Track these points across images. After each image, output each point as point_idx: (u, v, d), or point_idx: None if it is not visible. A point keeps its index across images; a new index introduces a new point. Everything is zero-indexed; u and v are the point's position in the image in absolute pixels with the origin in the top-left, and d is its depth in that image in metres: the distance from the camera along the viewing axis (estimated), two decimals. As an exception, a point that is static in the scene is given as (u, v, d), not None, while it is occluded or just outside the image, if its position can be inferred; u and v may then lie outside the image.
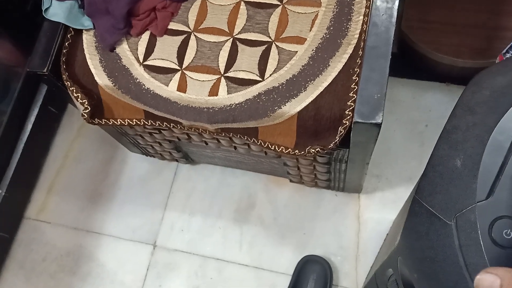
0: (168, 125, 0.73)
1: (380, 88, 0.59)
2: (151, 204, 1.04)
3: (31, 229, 1.05)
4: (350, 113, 0.62)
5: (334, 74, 0.65)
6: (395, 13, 0.61)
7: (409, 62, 1.03)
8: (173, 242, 1.00)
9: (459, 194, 0.30)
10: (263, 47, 0.68)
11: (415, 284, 0.36)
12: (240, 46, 0.69)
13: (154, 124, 0.74)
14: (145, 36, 0.71)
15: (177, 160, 1.04)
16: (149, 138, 0.88)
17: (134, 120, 0.74)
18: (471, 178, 0.30)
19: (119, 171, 1.07)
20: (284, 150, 0.69)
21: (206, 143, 0.84)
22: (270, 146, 0.70)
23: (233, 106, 0.67)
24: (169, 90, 0.69)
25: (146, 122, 0.74)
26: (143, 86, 0.70)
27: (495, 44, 0.92)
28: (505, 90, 0.32)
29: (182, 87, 0.69)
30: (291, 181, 0.99)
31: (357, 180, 0.90)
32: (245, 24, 0.69)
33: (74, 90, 0.70)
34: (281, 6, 0.70)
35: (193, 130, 0.74)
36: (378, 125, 0.59)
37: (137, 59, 0.71)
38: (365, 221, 0.97)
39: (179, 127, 0.73)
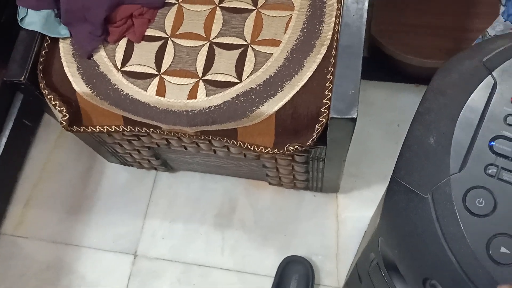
0: (148, 130, 0.74)
1: (354, 84, 0.62)
2: (131, 213, 1.03)
3: (8, 244, 1.02)
4: (326, 110, 0.64)
5: (309, 73, 0.67)
6: (365, 14, 0.64)
7: (380, 65, 1.07)
8: (155, 250, 1.00)
9: (434, 170, 0.32)
10: (240, 50, 0.70)
11: (396, 261, 0.37)
12: (217, 50, 0.70)
13: (133, 129, 0.74)
14: (123, 43, 0.72)
15: (156, 168, 1.04)
16: (128, 146, 0.88)
17: (113, 126, 0.74)
18: (445, 154, 0.32)
19: (97, 182, 1.07)
20: (263, 150, 0.71)
21: (186, 148, 0.84)
22: (249, 146, 0.72)
23: (212, 108, 0.68)
24: (148, 95, 0.70)
25: (125, 128, 0.74)
26: (122, 92, 0.70)
27: (462, 45, 0.97)
28: (472, 72, 0.34)
29: (161, 92, 0.70)
30: (270, 183, 1.00)
31: (335, 179, 0.92)
32: (221, 29, 0.71)
33: (52, 98, 0.70)
34: (255, 10, 0.72)
35: (172, 134, 0.74)
36: (354, 120, 0.61)
37: (115, 65, 0.71)
38: (343, 220, 0.99)
39: (158, 132, 0.74)
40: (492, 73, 0.33)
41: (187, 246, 1.00)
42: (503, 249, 0.30)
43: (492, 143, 0.32)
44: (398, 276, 0.40)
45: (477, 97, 0.33)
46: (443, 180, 0.31)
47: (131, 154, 0.94)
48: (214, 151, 0.83)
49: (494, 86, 0.33)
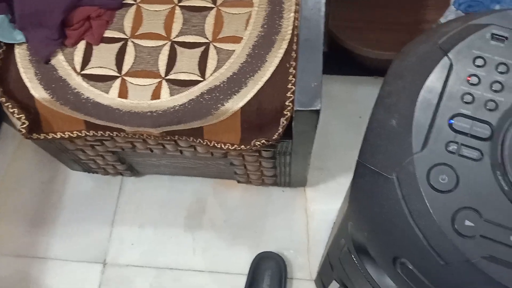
0: (111, 134, 0.72)
1: (316, 77, 0.63)
2: (97, 221, 1.01)
3: (-33, 262, 0.98)
4: (290, 104, 0.65)
5: (272, 68, 0.68)
6: (323, 7, 0.65)
7: (340, 60, 1.09)
8: (125, 257, 0.98)
9: (397, 150, 0.34)
10: (202, 48, 0.69)
11: (366, 243, 0.38)
12: (179, 49, 0.70)
13: (96, 134, 0.72)
14: (81, 46, 0.70)
15: (121, 174, 1.02)
16: (91, 152, 0.86)
17: (75, 132, 0.72)
18: (407, 134, 0.33)
19: (61, 192, 1.03)
20: (230, 147, 0.71)
21: (151, 150, 0.83)
22: (216, 144, 0.71)
23: (177, 107, 0.67)
24: (110, 97, 0.68)
25: (87, 133, 0.72)
26: (82, 96, 0.69)
27: (416, 36, 1.00)
28: (428, 55, 0.36)
29: (123, 93, 0.68)
30: (238, 181, 1.00)
31: (302, 173, 0.93)
32: (181, 28, 0.71)
33: (10, 106, 0.67)
34: (215, 8, 0.72)
35: (137, 136, 0.73)
36: (318, 112, 0.62)
37: (74, 69, 0.69)
38: (312, 213, 1.00)
39: (122, 135, 0.73)
40: (448, 54, 0.34)
41: (157, 251, 0.98)
42: (467, 222, 0.31)
43: (452, 121, 0.33)
44: (368, 259, 0.41)
45: (435, 78, 0.34)
46: (406, 159, 0.33)
47: (95, 160, 0.92)
48: (181, 152, 0.82)
49: (451, 66, 0.34)
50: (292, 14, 0.70)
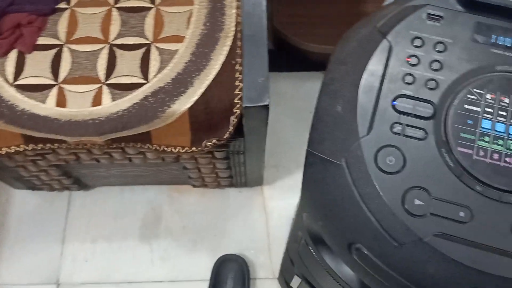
0: (52, 146, 0.68)
1: (262, 72, 0.62)
2: (46, 240, 0.95)
3: None
4: (239, 101, 0.64)
5: (217, 66, 0.66)
6: (264, 2, 0.65)
7: (286, 57, 1.09)
8: (79, 275, 0.93)
9: (344, 136, 0.33)
10: (143, 50, 0.67)
11: (321, 233, 0.38)
12: (118, 52, 0.67)
13: (36, 147, 0.68)
14: (13, 55, 0.66)
15: (68, 188, 0.97)
16: (33, 167, 0.81)
17: (12, 147, 0.67)
18: (352, 119, 0.33)
19: (4, 213, 0.97)
20: (181, 150, 0.69)
21: (98, 161, 0.79)
22: (166, 148, 0.69)
23: (120, 112, 0.64)
24: (47, 107, 0.64)
25: (26, 147, 0.68)
26: (17, 108, 0.64)
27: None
28: (368, 39, 0.35)
29: (61, 102, 0.65)
30: (194, 186, 0.98)
31: (258, 171, 0.92)
32: (120, 30, 0.68)
33: None
34: (154, 8, 0.69)
35: (80, 147, 0.69)
36: (267, 107, 0.61)
37: (6, 80, 0.65)
38: (271, 211, 1.00)
39: (64, 147, 0.69)
40: (387, 36, 0.34)
41: (113, 265, 0.94)
42: (417, 202, 0.31)
43: (395, 102, 0.33)
44: (325, 249, 0.41)
45: (375, 61, 0.34)
46: (353, 144, 0.32)
47: (39, 176, 0.87)
48: (130, 160, 0.79)
49: (390, 49, 0.34)
50: (234, 11, 0.69)
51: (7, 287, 0.91)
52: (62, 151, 0.73)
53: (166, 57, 0.67)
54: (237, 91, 0.65)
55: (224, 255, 0.94)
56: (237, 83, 0.65)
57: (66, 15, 0.69)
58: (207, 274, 0.93)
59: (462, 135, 0.32)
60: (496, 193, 0.31)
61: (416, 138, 0.32)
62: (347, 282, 0.41)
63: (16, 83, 0.65)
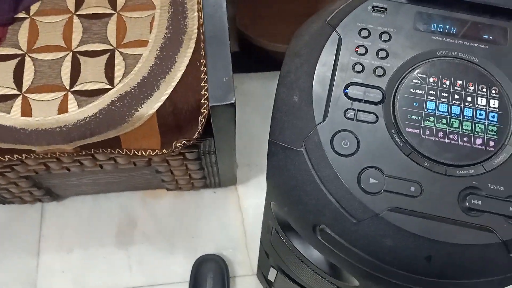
0: (20, 157, 0.68)
1: (226, 71, 0.64)
2: (20, 254, 0.94)
3: None
4: (206, 101, 0.65)
5: (182, 68, 0.68)
6: (223, 3, 0.66)
7: (252, 58, 1.11)
8: (56, 286, 0.92)
9: (302, 124, 0.35)
10: (106, 56, 0.68)
11: (288, 218, 0.40)
12: (82, 59, 0.67)
13: (3, 159, 0.67)
14: (-28, 66, 0.66)
15: (40, 200, 0.96)
16: (2, 180, 0.80)
17: (-22, 159, 0.67)
18: (308, 107, 0.35)
19: (-27, 229, 0.95)
20: (152, 153, 0.70)
21: (68, 170, 0.79)
22: (136, 152, 0.70)
23: (88, 119, 0.65)
24: (12, 117, 0.64)
25: (-7, 159, 0.67)
26: (-19, 119, 0.64)
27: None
28: (319, 32, 0.38)
29: (26, 112, 0.65)
30: (168, 189, 0.99)
31: (230, 171, 0.94)
32: (82, 37, 0.68)
33: None
34: (116, 14, 0.70)
35: (49, 156, 0.69)
36: (233, 105, 0.63)
37: (-33, 91, 0.64)
38: (246, 209, 1.01)
39: (33, 157, 0.68)
40: (336, 29, 0.36)
41: (91, 274, 0.94)
42: (371, 180, 0.33)
43: (346, 90, 0.35)
44: (294, 234, 0.43)
45: (327, 52, 0.36)
46: (311, 131, 0.34)
47: (8, 189, 0.86)
48: (101, 166, 0.79)
49: (340, 40, 0.36)
50: (196, 13, 0.70)
51: (-18, 305, 0.90)
52: (31, 161, 0.72)
53: (131, 61, 0.68)
54: (203, 92, 0.66)
55: (202, 255, 0.95)
56: (203, 84, 0.67)
57: (26, 24, 0.69)
58: (186, 276, 0.94)
59: (410, 116, 0.34)
60: (442, 167, 0.33)
61: (368, 122, 0.34)
62: (317, 265, 0.43)
63: (-21, 95, 0.64)
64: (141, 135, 0.68)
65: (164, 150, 0.69)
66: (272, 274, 0.73)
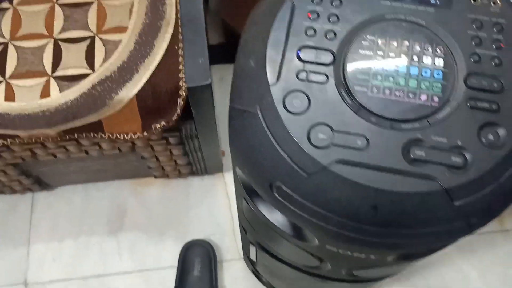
0: (5, 142, 0.70)
1: (202, 53, 0.66)
2: (11, 243, 0.96)
3: None
4: (183, 84, 0.67)
5: (161, 52, 0.69)
6: (198, -12, 0.68)
7: (237, 48, 1.13)
8: (47, 274, 0.94)
9: (257, 86, 0.37)
10: (87, 42, 0.69)
11: (249, 181, 0.41)
12: (63, 45, 0.69)
13: (-12, 144, 0.69)
14: (-44, 54, 0.68)
15: (30, 189, 0.98)
16: (-10, 168, 0.82)
17: (-36, 145, 0.69)
18: (263, 71, 0.37)
19: (-35, 220, 0.97)
20: (133, 136, 0.72)
21: (55, 156, 0.81)
22: (118, 136, 0.72)
23: (69, 103, 0.67)
24: (-4, 102, 0.66)
25: (-21, 144, 0.69)
26: (-34, 105, 0.66)
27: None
28: (275, 0, 0.39)
29: (10, 97, 0.67)
30: (155, 177, 1.01)
31: (215, 157, 0.95)
32: (63, 24, 0.70)
33: None
34: (96, 2, 0.72)
35: (34, 141, 0.71)
36: (209, 86, 0.65)
37: (-48, 78, 0.66)
38: (233, 196, 1.03)
39: (18, 142, 0.70)
40: (290, -3, 0.38)
41: (81, 261, 0.96)
42: (320, 135, 0.35)
43: (299, 52, 0.37)
44: (258, 199, 0.44)
45: (281, 19, 0.38)
46: (265, 92, 0.36)
47: (-3, 178, 0.88)
48: (86, 152, 0.81)
49: (293, 6, 0.38)
50: (174, 0, 0.72)
51: (-25, 292, 0.91)
52: (17, 147, 0.74)
53: (111, 47, 0.70)
54: (181, 75, 0.68)
55: (190, 241, 0.97)
56: (180, 67, 0.69)
57: (9, 14, 0.71)
58: (175, 261, 0.96)
59: (358, 76, 0.36)
60: (388, 122, 0.35)
61: (319, 82, 0.36)
62: (282, 229, 0.45)
63: (-37, 81, 0.66)
64: (123, 119, 0.70)
65: (145, 133, 0.71)
66: (252, 252, 0.75)
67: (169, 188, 1.03)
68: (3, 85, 0.67)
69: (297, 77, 0.36)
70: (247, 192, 0.45)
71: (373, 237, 0.36)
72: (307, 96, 0.36)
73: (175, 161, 0.92)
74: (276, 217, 0.44)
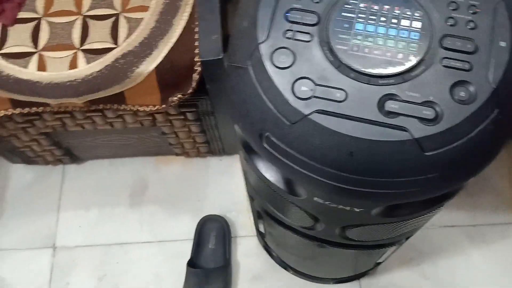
0: (37, 110, 0.77)
1: (215, 31, 0.70)
2: (43, 209, 1.03)
3: None
4: (198, 59, 0.72)
5: (179, 31, 0.74)
6: (216, -30, 0.73)
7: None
8: (73, 239, 1.01)
9: (248, 44, 0.41)
10: (112, 19, 0.75)
11: (244, 134, 0.45)
12: (91, 22, 0.75)
13: (22, 111, 0.76)
14: (-4, 28, 0.75)
15: (61, 161, 1.05)
16: (24, 136, 0.89)
17: (1, 111, 0.76)
18: (254, 30, 0.41)
19: (3, 186, 1.06)
20: (153, 108, 0.77)
21: (83, 127, 0.88)
22: (139, 108, 0.77)
23: (94, 74, 0.73)
24: (29, 71, 0.73)
25: (14, 111, 0.76)
26: (3, 73, 0.73)
27: None
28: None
29: (41, 67, 0.73)
30: (176, 154, 1.06)
31: (232, 136, 0.99)
32: (91, 3, 0.76)
33: None
34: (122, -17, 0.78)
35: (63, 110, 0.78)
36: (221, 60, 0.69)
37: (-8, 50, 0.74)
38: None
39: (48, 110, 0.77)
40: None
41: (105, 229, 1.02)
42: (303, 88, 0.38)
43: (287, 14, 0.40)
44: (254, 155, 0.48)
45: (273, -17, 0.41)
46: (255, 49, 0.40)
47: (31, 147, 0.95)
48: (111, 125, 0.87)
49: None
50: (193, -19, 0.77)
51: (8, 252, 1.00)
52: (47, 116, 0.81)
53: (133, 24, 0.75)
54: (196, 51, 0.73)
55: (207, 215, 1.01)
56: (196, 44, 0.73)
57: (44, -8, 0.78)
58: (191, 234, 1.01)
59: (340, 36, 0.39)
60: (366, 78, 0.38)
61: (304, 41, 0.39)
62: (276, 184, 0.48)
63: (1, 52, 0.73)
64: (143, 91, 0.75)
65: (163, 105, 0.76)
66: (260, 224, 0.79)
67: (189, 166, 1.08)
68: (36, 56, 0.74)
69: (284, 36, 0.40)
70: (246, 150, 0.49)
71: (351, 185, 0.39)
72: (292, 53, 0.39)
73: (193, 138, 0.97)
74: (270, 173, 0.48)
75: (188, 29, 0.75)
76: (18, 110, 0.76)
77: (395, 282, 0.97)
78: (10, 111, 0.76)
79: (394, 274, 0.98)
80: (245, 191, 1.06)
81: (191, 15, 0.75)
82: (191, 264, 0.95)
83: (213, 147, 1.03)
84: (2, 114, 0.76)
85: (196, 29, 0.74)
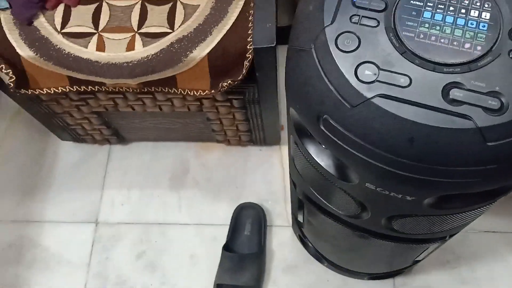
0: (93, 89, 0.80)
1: (270, 19, 0.72)
2: (88, 186, 1.08)
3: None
4: (251, 47, 0.73)
5: (233, 18, 0.76)
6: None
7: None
8: (115, 216, 1.05)
9: (313, 27, 0.41)
10: (170, 5, 0.78)
11: (300, 117, 0.46)
12: (149, 6, 0.78)
13: (79, 89, 0.80)
14: (60, 8, 0.78)
15: (108, 141, 1.09)
16: (77, 114, 0.93)
17: (59, 87, 0.80)
18: (320, 13, 0.41)
19: (52, 163, 1.11)
20: (202, 93, 0.79)
21: (133, 108, 0.91)
22: (189, 92, 0.79)
23: (150, 57, 0.75)
24: (89, 51, 0.76)
25: (71, 88, 0.80)
26: (64, 51, 0.76)
27: None
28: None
29: (100, 47, 0.76)
30: (218, 141, 1.08)
31: (274, 127, 1.01)
32: (151, -12, 0.79)
33: (-2, 63, 0.75)
34: (180, -30, 0.80)
35: (117, 90, 0.81)
36: (273, 48, 0.70)
37: (55, 28, 0.77)
38: (287, 167, 1.08)
39: (103, 89, 0.80)
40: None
41: (145, 209, 1.05)
42: (366, 72, 0.39)
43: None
44: (307, 139, 0.49)
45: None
46: (320, 32, 0.41)
47: (82, 125, 0.99)
48: (160, 108, 0.90)
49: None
50: (249, -30, 0.78)
51: (52, 224, 1.04)
52: (102, 95, 0.84)
53: (190, 11, 0.77)
54: (249, 39, 0.74)
55: (244, 202, 1.03)
56: (249, 32, 0.75)
57: (106, -23, 0.81)
58: (227, 220, 1.03)
59: (407, 23, 0.40)
60: (431, 65, 0.38)
61: (370, 26, 0.40)
62: (327, 169, 0.49)
63: (63, 31, 0.77)
64: (194, 76, 0.77)
65: (213, 91, 0.78)
66: (300, 212, 0.80)
67: (229, 154, 1.10)
68: (96, 36, 0.77)
69: (350, 20, 0.41)
70: (298, 134, 0.50)
71: (408, 172, 0.40)
72: (357, 37, 0.40)
73: (237, 126, 0.99)
74: (321, 157, 0.49)
75: (242, 17, 0.76)
76: (74, 88, 0.80)
77: (429, 284, 0.96)
78: (67, 88, 0.80)
79: (430, 276, 0.97)
80: (282, 182, 1.07)
81: (246, 3, 0.77)
82: (227, 248, 0.97)
83: (254, 137, 1.05)
84: (60, 91, 0.80)
85: (250, 18, 0.75)
